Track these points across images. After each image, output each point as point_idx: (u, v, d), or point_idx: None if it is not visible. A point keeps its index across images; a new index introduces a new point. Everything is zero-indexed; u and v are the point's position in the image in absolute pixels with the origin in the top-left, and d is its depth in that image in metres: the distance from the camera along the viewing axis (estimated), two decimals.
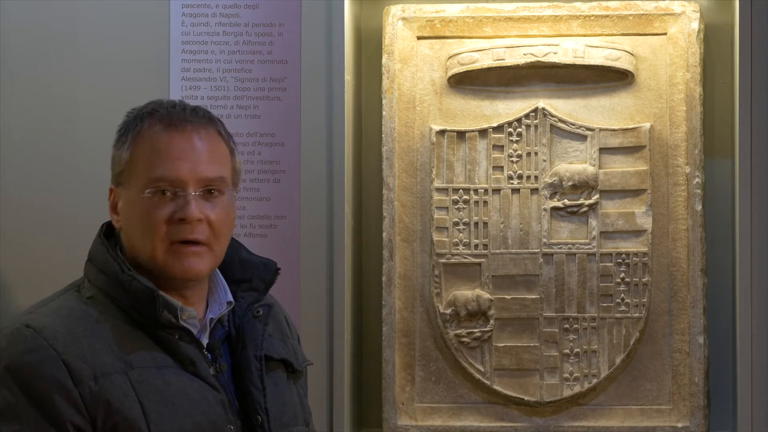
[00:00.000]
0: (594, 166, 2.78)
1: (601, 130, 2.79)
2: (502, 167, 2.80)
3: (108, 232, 1.79)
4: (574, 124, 2.79)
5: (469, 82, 2.81)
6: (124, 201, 1.74)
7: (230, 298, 1.82)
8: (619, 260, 2.77)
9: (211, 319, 1.79)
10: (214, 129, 1.77)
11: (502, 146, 2.80)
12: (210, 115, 1.79)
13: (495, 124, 2.81)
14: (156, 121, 1.73)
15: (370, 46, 2.89)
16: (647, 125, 2.77)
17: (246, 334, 1.82)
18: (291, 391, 1.86)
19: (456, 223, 2.80)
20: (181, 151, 1.72)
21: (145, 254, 1.72)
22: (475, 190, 2.80)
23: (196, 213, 1.71)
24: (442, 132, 2.81)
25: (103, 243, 1.75)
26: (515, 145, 2.80)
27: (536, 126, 2.80)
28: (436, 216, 2.80)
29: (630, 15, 2.78)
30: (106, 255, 1.73)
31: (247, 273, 1.86)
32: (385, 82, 2.82)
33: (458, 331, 2.78)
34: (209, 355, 1.76)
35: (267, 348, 1.83)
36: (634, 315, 2.76)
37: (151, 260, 1.72)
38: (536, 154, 2.80)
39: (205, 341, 1.77)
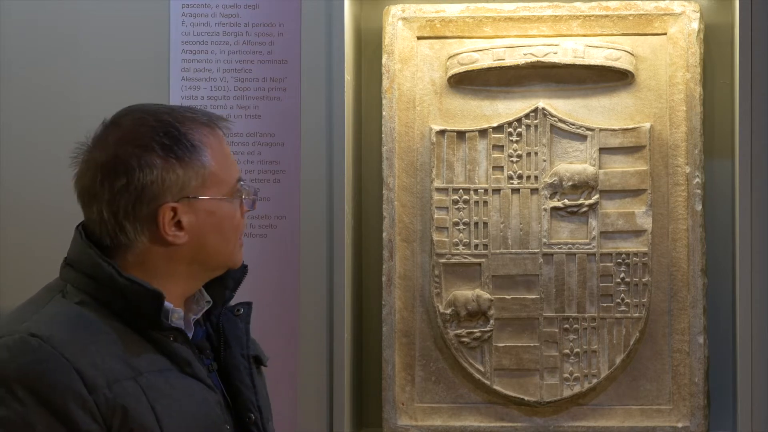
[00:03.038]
0: (594, 166, 2.78)
1: (601, 130, 2.79)
2: (502, 167, 2.80)
3: (86, 235, 1.75)
4: (574, 124, 2.79)
5: (469, 82, 2.81)
6: (205, 212, 1.73)
7: (208, 297, 1.82)
8: (619, 260, 2.77)
9: (194, 319, 1.79)
10: None
11: (502, 146, 2.81)
12: None
13: (495, 124, 2.81)
14: (211, 128, 1.75)
15: (370, 46, 2.89)
16: (647, 125, 2.77)
17: (228, 333, 1.82)
18: (264, 386, 1.88)
19: (456, 223, 2.80)
20: (229, 150, 1.79)
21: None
22: (475, 190, 2.80)
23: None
24: (442, 132, 2.81)
25: (90, 247, 1.71)
26: (515, 145, 2.80)
27: (536, 126, 2.80)
28: (436, 216, 2.80)
29: (630, 15, 2.78)
30: (95, 259, 1.70)
31: None
32: (385, 82, 2.82)
33: (458, 331, 2.79)
34: (201, 355, 1.77)
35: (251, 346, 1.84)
36: (634, 315, 2.76)
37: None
38: (536, 154, 2.80)
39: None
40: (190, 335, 1.77)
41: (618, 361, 2.76)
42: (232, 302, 1.87)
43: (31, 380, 1.59)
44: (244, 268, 1.87)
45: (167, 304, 1.71)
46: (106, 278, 1.69)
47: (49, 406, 1.58)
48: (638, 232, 2.77)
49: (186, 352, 1.72)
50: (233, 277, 1.86)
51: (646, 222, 2.77)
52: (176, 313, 1.73)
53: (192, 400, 1.69)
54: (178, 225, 1.71)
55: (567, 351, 2.77)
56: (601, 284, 2.77)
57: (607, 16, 2.78)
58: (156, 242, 1.71)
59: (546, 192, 2.79)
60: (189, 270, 1.74)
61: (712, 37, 2.80)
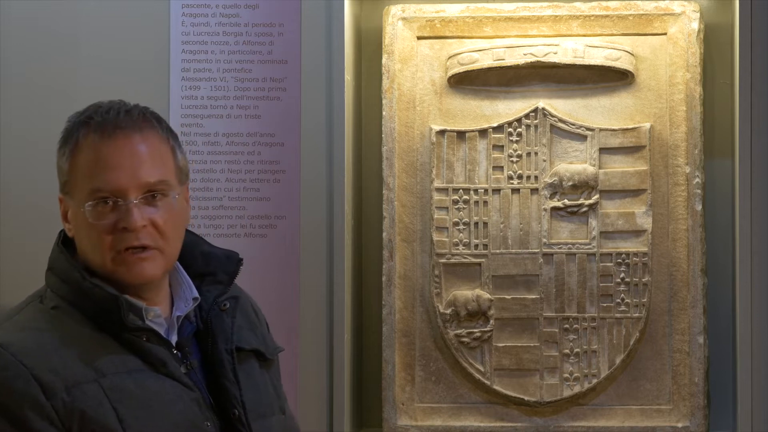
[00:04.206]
0: (594, 166, 2.78)
1: (601, 130, 2.79)
2: (502, 167, 2.80)
3: (66, 239, 1.78)
4: (574, 124, 2.79)
5: (469, 82, 2.81)
6: (72, 212, 1.74)
7: (196, 293, 1.81)
8: (619, 260, 2.77)
9: (178, 316, 1.78)
10: (151, 130, 1.75)
11: (502, 146, 2.81)
12: (147, 116, 1.77)
13: (495, 124, 2.81)
14: (90, 131, 1.73)
15: (370, 46, 2.89)
16: (647, 125, 2.77)
17: (215, 329, 1.81)
18: (265, 381, 1.86)
19: (456, 223, 2.80)
20: (117, 160, 1.71)
21: (95, 263, 1.72)
22: (475, 190, 2.80)
23: (138, 221, 1.69)
24: (442, 132, 2.81)
25: (62, 251, 1.74)
26: (515, 145, 2.80)
27: (536, 126, 2.80)
28: (436, 216, 2.80)
29: (630, 15, 2.78)
30: (65, 264, 1.72)
31: (210, 266, 1.85)
32: (385, 82, 2.82)
33: (458, 331, 2.78)
34: (179, 353, 1.75)
35: (237, 340, 1.81)
36: (634, 315, 2.76)
37: (101, 269, 1.71)
38: (536, 154, 2.80)
39: (174, 339, 1.76)
40: (173, 333, 1.77)
41: (618, 361, 2.76)
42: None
43: None
44: (237, 261, 1.86)
45: (139, 303, 1.71)
46: (74, 282, 1.71)
47: (6, 415, 1.60)
48: (638, 232, 2.77)
49: (161, 351, 1.71)
50: (226, 271, 1.85)
51: (646, 222, 2.77)
52: (152, 312, 1.73)
53: (163, 400, 1.68)
54: (67, 217, 1.76)
55: (567, 351, 2.77)
56: (601, 284, 2.77)
57: (607, 16, 2.78)
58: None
59: (546, 192, 2.79)
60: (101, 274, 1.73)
61: (712, 37, 2.80)
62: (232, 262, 1.86)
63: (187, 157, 1.82)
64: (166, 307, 1.78)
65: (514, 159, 2.80)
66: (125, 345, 1.70)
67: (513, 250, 2.79)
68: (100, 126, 1.73)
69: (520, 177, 2.80)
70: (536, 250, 2.79)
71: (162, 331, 1.74)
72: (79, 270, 1.71)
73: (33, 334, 1.66)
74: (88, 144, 1.72)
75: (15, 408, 1.60)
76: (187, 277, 1.83)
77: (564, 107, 2.80)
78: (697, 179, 2.75)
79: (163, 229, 1.72)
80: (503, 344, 2.78)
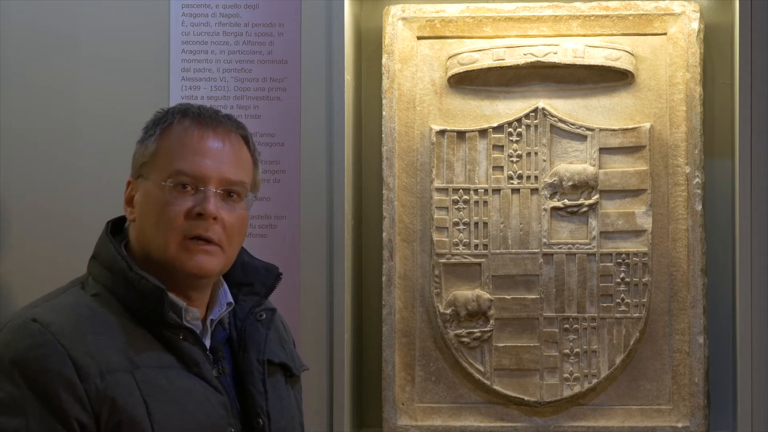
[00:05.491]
0: (594, 166, 2.78)
1: (601, 130, 2.79)
2: (502, 167, 2.81)
3: (114, 230, 1.78)
4: (574, 124, 2.79)
5: (469, 82, 2.81)
6: (143, 192, 1.74)
7: (230, 299, 1.82)
8: (619, 260, 2.77)
9: (212, 320, 1.79)
10: (243, 139, 1.80)
11: (502, 146, 2.81)
12: (241, 125, 1.81)
13: (495, 124, 2.81)
14: (187, 118, 1.75)
15: (370, 46, 2.89)
16: (647, 125, 2.77)
17: (248, 338, 1.82)
18: (289, 396, 1.87)
19: (456, 223, 2.80)
20: (208, 149, 1.74)
21: (156, 247, 1.72)
22: (475, 190, 2.80)
23: (213, 210, 1.71)
24: (442, 132, 2.81)
25: (111, 241, 1.74)
26: (515, 145, 2.80)
27: (536, 126, 2.80)
28: (436, 216, 2.80)
29: (630, 15, 2.78)
30: (113, 253, 1.73)
31: (249, 276, 1.87)
32: (385, 82, 2.82)
33: (458, 331, 2.79)
34: (212, 356, 1.76)
35: (268, 352, 1.83)
36: (634, 315, 2.76)
37: (162, 254, 1.72)
38: (536, 154, 2.80)
39: (207, 343, 1.77)
40: (207, 336, 1.77)
41: (618, 361, 2.76)
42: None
43: (25, 364, 1.61)
44: (277, 276, 1.88)
45: (180, 302, 1.72)
46: (119, 272, 1.71)
47: (39, 391, 1.60)
48: (638, 232, 2.77)
49: (196, 352, 1.72)
50: (264, 282, 1.87)
51: (646, 222, 2.77)
52: (191, 313, 1.74)
53: (192, 399, 1.69)
54: (131, 201, 1.76)
55: (567, 351, 2.77)
56: (601, 284, 2.77)
57: (607, 16, 2.78)
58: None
59: (546, 192, 2.79)
60: (155, 265, 1.73)
61: (712, 37, 2.80)
62: (270, 275, 1.88)
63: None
64: (202, 310, 1.79)
65: (514, 159, 2.80)
66: (161, 341, 1.71)
67: (513, 250, 2.79)
68: (198, 116, 1.76)
69: (520, 177, 2.80)
70: (536, 250, 2.79)
71: (198, 333, 1.75)
72: (126, 260, 1.71)
73: (72, 317, 1.67)
74: (183, 128, 1.74)
75: (48, 386, 1.60)
76: (224, 283, 1.84)
77: (564, 107, 2.81)
78: (697, 179, 2.75)
79: (229, 229, 1.74)
80: (503, 344, 2.79)
